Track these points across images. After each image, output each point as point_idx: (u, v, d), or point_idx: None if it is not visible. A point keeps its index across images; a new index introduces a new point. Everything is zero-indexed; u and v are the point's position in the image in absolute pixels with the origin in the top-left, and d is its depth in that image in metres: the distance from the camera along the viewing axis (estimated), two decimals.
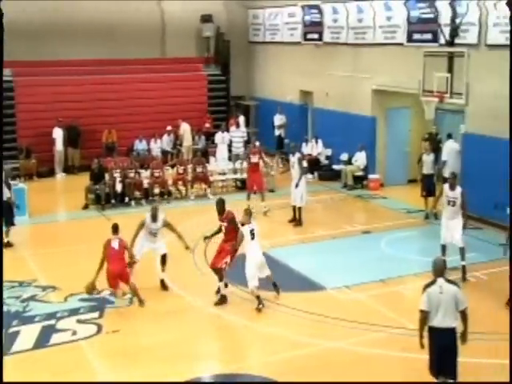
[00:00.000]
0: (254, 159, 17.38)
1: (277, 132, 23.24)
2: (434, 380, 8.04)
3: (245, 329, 10.66)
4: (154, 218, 12.11)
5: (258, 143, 18.55)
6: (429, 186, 16.33)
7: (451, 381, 7.96)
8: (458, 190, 12.60)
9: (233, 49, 25.70)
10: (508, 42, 14.91)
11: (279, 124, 23.11)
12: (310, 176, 20.60)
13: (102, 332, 10.40)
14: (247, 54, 26.43)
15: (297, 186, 15.71)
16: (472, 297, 11.45)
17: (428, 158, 16.55)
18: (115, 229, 11.45)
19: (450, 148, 16.62)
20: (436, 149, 17.14)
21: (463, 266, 12.45)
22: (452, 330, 7.94)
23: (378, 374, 9.01)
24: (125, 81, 23.27)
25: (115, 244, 11.29)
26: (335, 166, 20.67)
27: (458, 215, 12.48)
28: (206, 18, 25.30)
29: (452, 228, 12.52)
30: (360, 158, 19.74)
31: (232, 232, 11.57)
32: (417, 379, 8.56)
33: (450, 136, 16.98)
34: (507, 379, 7.02)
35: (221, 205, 11.92)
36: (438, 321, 7.90)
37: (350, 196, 18.98)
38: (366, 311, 11.05)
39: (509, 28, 14.84)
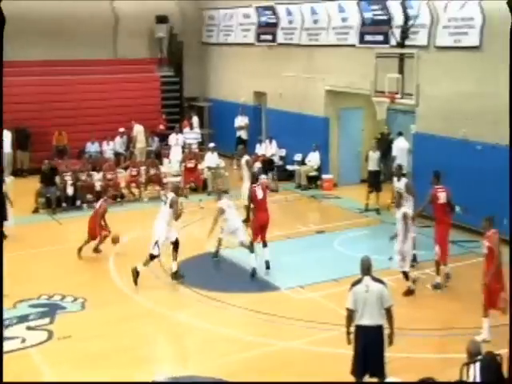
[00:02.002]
0: (190, 164, 18.72)
1: (237, 133, 23.19)
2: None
3: (200, 331, 10.57)
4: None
5: (194, 148, 18.77)
6: (374, 181, 16.90)
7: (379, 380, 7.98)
8: (403, 181, 13.22)
9: (186, 50, 25.58)
10: (456, 45, 15.23)
11: (239, 125, 23.06)
12: (264, 176, 20.62)
13: (53, 338, 10.17)
14: (201, 55, 26.31)
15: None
16: (424, 294, 11.75)
17: (374, 156, 17.16)
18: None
19: (399, 146, 16.99)
20: (387, 148, 17.43)
21: (414, 255, 12.76)
22: (379, 328, 7.94)
23: (331, 372, 9.01)
24: (75, 82, 22.89)
25: None
26: (289, 167, 20.75)
27: (408, 205, 12.69)
28: (161, 19, 25.09)
29: None
30: (314, 159, 19.86)
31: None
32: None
33: (400, 134, 17.34)
34: (457, 375, 7.10)
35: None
36: (365, 319, 7.89)
37: (304, 196, 19.07)
38: (320, 310, 11.10)
39: (457, 30, 15.18)
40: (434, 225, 12.50)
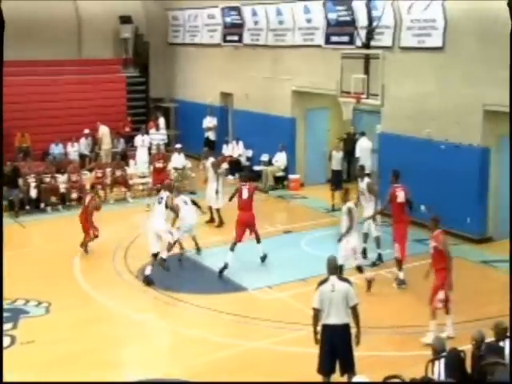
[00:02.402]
0: (159, 164, 18.20)
1: (205, 134, 23.09)
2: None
3: (166, 333, 10.51)
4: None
5: (162, 149, 18.67)
6: (337, 180, 17.14)
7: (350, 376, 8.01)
8: (366, 181, 13.34)
9: (152, 50, 25.39)
10: (420, 45, 15.41)
11: (208, 126, 22.96)
12: (231, 177, 20.62)
13: (16, 343, 9.98)
14: (167, 56, 26.15)
15: (217, 192, 15.91)
16: (389, 292, 11.85)
17: (337, 155, 17.46)
18: None
19: (362, 146, 17.21)
20: (353, 148, 17.60)
21: (379, 254, 13.05)
22: (345, 327, 7.98)
23: (299, 372, 9.02)
24: (39, 83, 22.54)
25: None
26: (256, 167, 20.75)
27: (370, 205, 12.99)
28: (125, 19, 24.86)
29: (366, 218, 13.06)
30: (280, 159, 19.90)
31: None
32: (337, 376, 8.63)
33: (363, 134, 17.52)
34: (422, 372, 7.16)
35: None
36: (331, 318, 7.92)
37: (271, 196, 19.09)
38: (288, 310, 11.11)
39: (421, 32, 15.35)
40: (392, 223, 12.54)
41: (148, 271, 12.26)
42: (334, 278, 8.02)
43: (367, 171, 16.92)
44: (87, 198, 14.60)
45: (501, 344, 6.97)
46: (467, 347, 7.12)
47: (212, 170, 16.11)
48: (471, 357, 6.87)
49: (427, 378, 6.47)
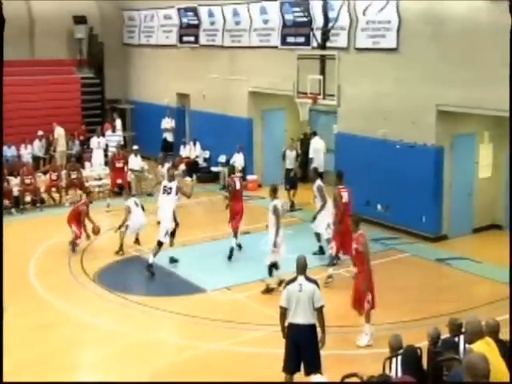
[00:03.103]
0: (119, 164, 18.25)
1: (163, 135, 22.91)
2: (308, 378, 8.05)
3: (124, 336, 10.35)
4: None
5: (121, 151, 18.91)
6: (291, 179, 17.37)
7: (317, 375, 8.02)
8: (317, 183, 13.48)
9: (107, 51, 25.10)
10: (374, 46, 15.58)
11: (165, 127, 22.79)
12: (188, 179, 20.52)
13: None
14: (122, 57, 25.89)
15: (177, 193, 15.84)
16: (346, 290, 11.91)
17: (291, 154, 17.76)
18: None
19: (315, 146, 17.53)
20: (308, 148, 17.81)
21: (320, 247, 13.42)
22: (311, 327, 8.00)
23: (258, 372, 9.03)
24: None
25: None
26: (213, 168, 20.70)
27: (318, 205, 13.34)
28: (79, 19, 24.50)
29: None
30: (238, 160, 19.86)
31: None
32: (296, 376, 8.64)
33: (315, 134, 17.71)
34: (380, 369, 7.21)
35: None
36: (297, 318, 7.96)
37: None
38: (247, 311, 11.10)
39: (375, 33, 15.53)
40: (334, 222, 12.63)
41: (151, 259, 12.68)
42: (301, 278, 8.05)
43: (321, 170, 17.23)
44: (81, 201, 14.88)
45: (456, 340, 7.08)
46: (424, 344, 7.21)
47: (167, 175, 16.10)
48: (427, 353, 6.95)
49: (385, 376, 6.51)
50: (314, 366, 7.96)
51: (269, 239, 11.76)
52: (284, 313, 8.03)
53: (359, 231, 9.97)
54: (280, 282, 11.20)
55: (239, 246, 13.92)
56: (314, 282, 8.15)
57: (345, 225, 12.23)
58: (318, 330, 8.06)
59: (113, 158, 18.85)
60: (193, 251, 14.14)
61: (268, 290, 11.62)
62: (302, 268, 8.12)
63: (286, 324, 8.06)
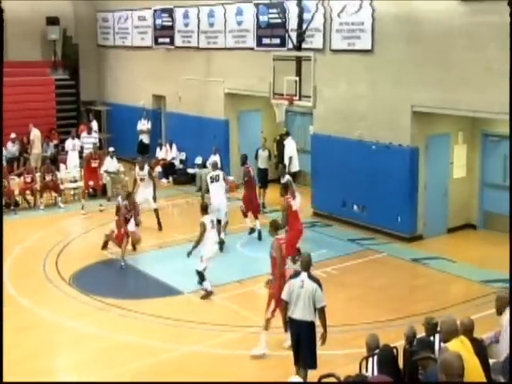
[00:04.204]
0: (94, 164, 18.32)
1: (139, 137, 22.78)
2: (285, 379, 8.06)
3: (101, 339, 10.26)
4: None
5: (97, 151, 18.88)
6: (263, 179, 17.50)
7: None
8: (285, 178, 14.01)
9: (82, 52, 24.91)
10: (349, 48, 15.66)
11: (141, 129, 22.66)
12: (164, 181, 20.48)
13: None
14: (97, 58, 25.70)
15: (155, 199, 16.08)
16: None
17: (263, 154, 17.95)
18: None
19: (291, 146, 17.63)
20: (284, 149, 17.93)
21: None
22: (308, 324, 8.12)
23: (234, 374, 9.02)
24: None
25: None
26: (190, 170, 20.64)
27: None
28: (52, 20, 24.25)
29: None
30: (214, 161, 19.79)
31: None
32: (272, 377, 8.67)
33: (288, 134, 17.79)
34: (357, 369, 7.24)
35: None
36: (297, 313, 8.14)
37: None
38: (223, 312, 11.07)
39: (350, 34, 15.61)
40: (286, 230, 12.54)
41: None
42: (304, 275, 8.21)
43: (296, 170, 17.37)
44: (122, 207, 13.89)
45: (431, 339, 7.13)
46: (400, 343, 7.25)
47: (148, 176, 16.29)
48: (403, 352, 7.00)
49: (361, 376, 6.54)
50: (307, 364, 8.15)
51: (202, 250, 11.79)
52: (285, 306, 8.25)
53: (277, 236, 9.83)
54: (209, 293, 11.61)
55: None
56: (317, 281, 8.26)
57: (293, 232, 12.38)
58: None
59: (89, 157, 18.65)
60: (169, 253, 14.08)
61: (207, 295, 11.61)
62: (305, 265, 8.29)
63: (287, 318, 8.31)
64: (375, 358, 6.80)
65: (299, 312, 8.11)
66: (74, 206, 17.82)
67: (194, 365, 9.35)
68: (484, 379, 5.89)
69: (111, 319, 10.88)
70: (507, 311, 7.16)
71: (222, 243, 13.48)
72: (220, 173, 14.70)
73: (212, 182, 14.51)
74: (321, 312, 8.12)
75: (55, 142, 22.50)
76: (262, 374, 9.00)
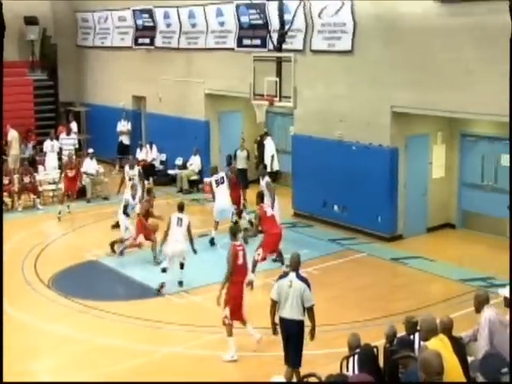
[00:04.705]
0: (71, 174, 17.77)
1: (119, 138, 22.64)
2: (266, 379, 8.06)
3: (80, 342, 10.19)
4: None
5: (73, 157, 18.57)
6: (243, 179, 17.37)
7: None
8: (265, 179, 14.32)
9: (60, 53, 24.68)
10: (330, 49, 15.71)
11: (121, 130, 22.54)
12: (145, 182, 20.33)
13: None
14: (76, 59, 25.50)
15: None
16: None
17: (242, 154, 18.09)
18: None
19: (271, 146, 17.74)
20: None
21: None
22: (297, 322, 8.27)
23: (216, 375, 9.02)
24: None
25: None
26: (170, 171, 20.56)
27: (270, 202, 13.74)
28: (30, 20, 24.02)
29: None
30: (195, 162, 19.80)
31: None
32: (254, 377, 8.66)
33: (267, 134, 17.84)
34: (338, 369, 7.26)
35: None
36: (286, 312, 8.27)
37: (186, 200, 18.82)
38: (204, 314, 11.03)
39: (331, 35, 15.66)
40: (264, 236, 12.69)
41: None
42: (293, 275, 8.32)
43: (276, 169, 17.43)
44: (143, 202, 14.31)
45: (412, 338, 7.18)
46: (381, 343, 7.28)
47: (138, 176, 16.39)
48: (383, 351, 7.03)
49: (342, 375, 6.55)
50: (293, 363, 8.28)
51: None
52: (274, 305, 8.35)
53: (235, 241, 9.79)
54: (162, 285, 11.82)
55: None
56: (305, 280, 8.39)
57: (272, 236, 12.50)
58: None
59: (65, 167, 18.27)
60: (149, 254, 13.99)
61: (160, 288, 11.87)
62: (293, 265, 8.40)
63: (277, 317, 8.39)
64: (356, 357, 6.83)
65: (289, 311, 8.25)
66: (53, 208, 17.66)
67: (175, 366, 9.33)
68: (463, 377, 5.93)
69: (91, 321, 10.81)
70: (486, 309, 7.22)
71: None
72: (223, 174, 15.05)
73: (218, 185, 14.77)
74: (309, 311, 8.29)
75: (33, 143, 22.30)
76: (243, 375, 9.01)
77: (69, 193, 17.80)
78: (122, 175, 16.78)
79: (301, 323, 8.30)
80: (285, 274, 8.41)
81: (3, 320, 10.71)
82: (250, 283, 11.39)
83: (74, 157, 18.71)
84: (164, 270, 11.93)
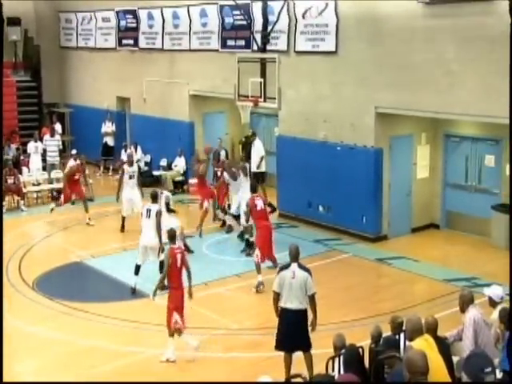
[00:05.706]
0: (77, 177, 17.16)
1: (104, 139, 22.51)
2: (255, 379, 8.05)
3: (64, 343, 10.12)
4: None
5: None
6: None
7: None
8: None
9: (44, 54, 24.51)
10: (314, 49, 15.74)
11: (106, 131, 22.42)
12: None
13: None
14: (60, 60, 25.35)
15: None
16: None
17: (221, 154, 17.99)
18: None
19: (260, 146, 17.68)
20: (251, 150, 17.92)
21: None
22: (302, 311, 8.42)
23: (202, 375, 8.99)
24: None
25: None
26: (155, 172, 20.49)
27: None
28: (13, 21, 23.84)
29: None
30: (179, 163, 19.76)
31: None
32: (241, 377, 8.65)
33: (254, 134, 17.88)
34: (324, 369, 7.27)
35: None
36: (289, 303, 8.36)
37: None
38: (189, 314, 10.95)
39: (315, 36, 15.70)
40: (256, 230, 12.74)
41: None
42: (294, 266, 8.43)
43: (262, 170, 17.44)
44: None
45: (397, 338, 7.20)
46: (366, 343, 7.30)
47: (138, 174, 16.32)
48: (369, 352, 7.05)
49: (328, 376, 6.57)
50: (305, 346, 8.44)
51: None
52: (276, 297, 8.44)
53: (173, 245, 9.79)
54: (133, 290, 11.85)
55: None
56: (307, 270, 8.51)
57: (263, 229, 12.42)
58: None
59: (75, 170, 17.17)
60: (134, 255, 13.93)
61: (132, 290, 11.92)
62: (294, 256, 8.49)
63: (279, 308, 8.49)
64: (341, 357, 6.84)
65: (292, 302, 8.35)
66: (37, 210, 17.52)
67: (160, 367, 9.28)
68: (448, 377, 5.97)
69: (75, 323, 10.75)
70: (470, 309, 7.27)
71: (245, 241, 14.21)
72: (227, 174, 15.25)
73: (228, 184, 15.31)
74: (311, 299, 8.41)
75: (16, 144, 22.11)
76: (230, 375, 8.97)
77: (75, 197, 17.00)
78: (119, 177, 16.27)
79: (305, 312, 8.47)
80: (286, 266, 8.51)
81: None
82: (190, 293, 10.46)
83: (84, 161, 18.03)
84: (137, 267, 11.83)
